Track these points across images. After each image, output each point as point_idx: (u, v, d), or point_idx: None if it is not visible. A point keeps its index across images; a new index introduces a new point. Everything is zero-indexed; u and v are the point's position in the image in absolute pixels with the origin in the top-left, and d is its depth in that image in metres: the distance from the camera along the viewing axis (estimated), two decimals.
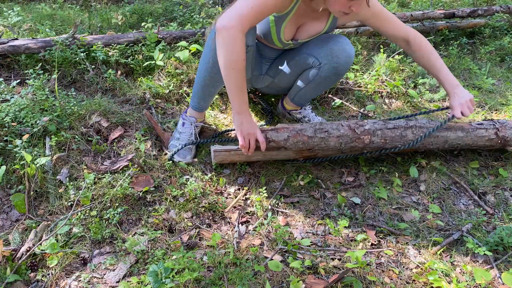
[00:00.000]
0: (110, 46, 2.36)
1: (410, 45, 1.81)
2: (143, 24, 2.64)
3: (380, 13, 1.77)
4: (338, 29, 2.86)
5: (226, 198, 1.70)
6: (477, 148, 1.90)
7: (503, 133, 1.84)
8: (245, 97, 1.56)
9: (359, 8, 1.52)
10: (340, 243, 1.52)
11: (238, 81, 1.51)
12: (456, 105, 1.73)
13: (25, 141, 1.67)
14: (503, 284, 1.34)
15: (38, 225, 1.49)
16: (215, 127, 2.09)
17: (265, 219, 1.61)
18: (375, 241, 1.52)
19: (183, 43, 2.40)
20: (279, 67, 1.95)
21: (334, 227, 1.57)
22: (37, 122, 1.77)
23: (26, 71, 2.16)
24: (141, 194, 1.64)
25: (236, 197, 1.71)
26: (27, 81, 2.02)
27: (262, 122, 2.18)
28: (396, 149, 1.75)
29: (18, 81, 2.10)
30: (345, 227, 1.58)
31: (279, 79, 1.99)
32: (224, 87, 2.21)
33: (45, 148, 1.74)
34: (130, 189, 1.62)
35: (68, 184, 1.62)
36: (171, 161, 1.80)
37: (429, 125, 1.77)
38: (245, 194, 1.72)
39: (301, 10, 1.66)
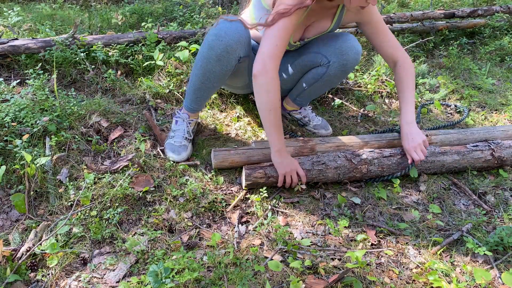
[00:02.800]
0: (110, 46, 2.36)
1: (396, 67, 1.85)
2: (143, 24, 2.65)
3: (380, 23, 1.80)
4: (338, 29, 2.86)
5: (225, 195, 1.70)
6: (477, 170, 1.93)
7: (499, 153, 1.87)
8: (283, 136, 1.67)
9: (376, 1, 1.53)
10: (340, 243, 1.52)
11: (276, 121, 1.61)
12: (409, 148, 1.77)
13: (25, 141, 1.67)
14: (503, 284, 1.34)
15: (38, 225, 1.49)
16: (214, 127, 2.09)
17: (265, 219, 1.61)
18: (375, 241, 1.52)
19: (183, 43, 2.40)
20: (282, 68, 1.94)
21: (334, 227, 1.57)
22: (37, 122, 1.77)
23: (26, 71, 2.16)
24: (141, 194, 1.64)
25: (236, 197, 1.71)
26: (27, 81, 2.02)
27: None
28: (391, 177, 1.80)
29: (18, 81, 2.10)
30: (345, 227, 1.58)
31: (282, 80, 1.98)
32: (223, 88, 2.23)
33: (45, 148, 1.74)
34: (130, 189, 1.62)
35: (68, 184, 1.62)
36: (172, 162, 1.80)
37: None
38: (245, 194, 1.72)
39: (312, 11, 1.66)
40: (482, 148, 1.87)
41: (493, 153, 1.86)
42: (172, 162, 1.80)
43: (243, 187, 1.73)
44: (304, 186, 1.71)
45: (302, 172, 1.68)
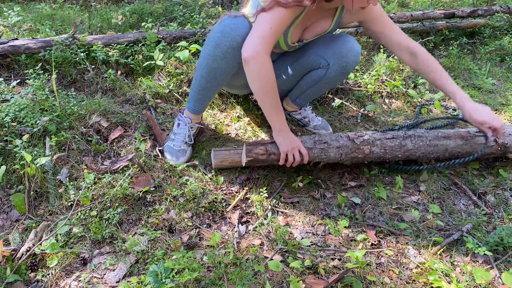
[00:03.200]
0: (110, 46, 2.36)
1: (416, 56, 1.76)
2: (143, 24, 2.65)
3: (383, 17, 1.78)
4: (338, 29, 2.86)
5: (225, 195, 1.70)
6: (479, 157, 1.90)
7: (503, 139, 1.84)
8: (283, 115, 1.64)
9: (377, 1, 1.52)
10: (340, 243, 1.52)
11: (274, 103, 1.59)
12: (486, 119, 1.68)
13: (25, 141, 1.67)
14: (503, 284, 1.34)
15: (38, 225, 1.49)
16: (214, 127, 2.09)
17: (265, 219, 1.61)
18: (375, 241, 1.52)
19: (183, 43, 2.40)
20: (281, 69, 1.93)
21: (334, 227, 1.57)
22: (37, 122, 1.77)
23: (26, 71, 2.16)
24: (141, 194, 1.64)
25: (236, 196, 1.71)
26: (27, 81, 2.02)
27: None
28: (468, 159, 1.78)
29: (18, 81, 2.10)
30: (345, 227, 1.58)
31: (281, 82, 1.97)
32: (224, 91, 2.23)
33: (45, 148, 1.74)
34: (130, 189, 1.62)
35: (68, 184, 1.62)
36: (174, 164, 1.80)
37: (427, 134, 1.79)
38: (245, 194, 1.72)
39: (310, 12, 1.64)
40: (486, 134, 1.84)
41: (497, 139, 1.83)
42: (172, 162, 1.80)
43: (243, 164, 1.72)
44: (301, 184, 1.70)
45: (304, 151, 1.65)
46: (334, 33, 1.87)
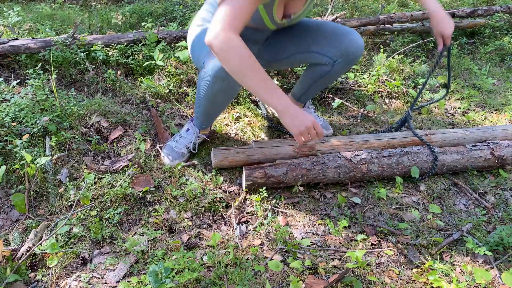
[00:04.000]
0: (110, 46, 2.36)
1: None
2: (143, 24, 2.65)
3: None
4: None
5: (225, 195, 1.70)
6: (478, 170, 1.93)
7: (499, 152, 1.87)
8: (280, 92, 1.35)
9: None
10: (340, 243, 1.52)
11: (263, 80, 1.33)
12: (440, 31, 1.69)
13: (25, 141, 1.67)
14: (503, 284, 1.34)
15: (38, 225, 1.49)
16: (213, 128, 2.09)
17: (265, 219, 1.61)
18: (375, 241, 1.52)
19: (183, 43, 2.40)
20: (279, 54, 1.87)
21: (334, 227, 1.57)
22: (37, 122, 1.77)
23: (26, 71, 2.16)
24: (141, 194, 1.64)
25: (237, 197, 1.71)
26: (27, 81, 2.02)
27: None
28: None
29: (18, 81, 2.10)
30: (345, 227, 1.58)
31: (279, 64, 1.93)
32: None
33: (45, 148, 1.74)
34: (130, 189, 1.62)
35: (68, 184, 1.62)
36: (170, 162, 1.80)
37: (423, 150, 1.83)
38: (245, 195, 1.72)
39: None
40: (482, 148, 1.88)
41: (493, 152, 1.86)
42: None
43: (244, 188, 1.72)
44: (301, 188, 1.71)
45: (320, 130, 1.42)
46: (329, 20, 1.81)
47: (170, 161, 1.80)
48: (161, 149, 1.86)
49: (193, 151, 1.88)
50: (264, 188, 1.69)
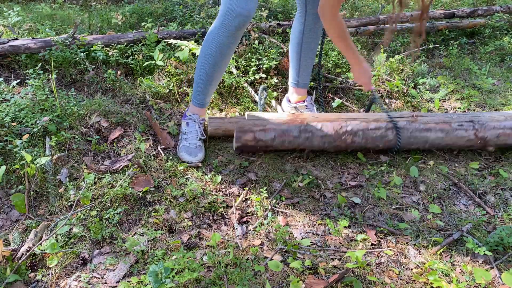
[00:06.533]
0: (110, 46, 2.36)
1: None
2: (143, 24, 2.65)
3: None
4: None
5: (225, 195, 1.70)
6: (458, 148, 1.99)
7: (483, 133, 1.90)
8: (354, 52, 1.81)
9: None
10: (340, 243, 1.52)
11: (348, 45, 1.77)
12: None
13: (25, 141, 1.67)
14: (503, 284, 1.34)
15: (38, 225, 1.49)
16: None
17: (265, 219, 1.61)
18: (375, 241, 1.52)
19: (181, 42, 2.40)
20: None
21: (334, 227, 1.57)
22: (37, 122, 1.77)
23: (26, 71, 2.16)
24: (141, 194, 1.64)
25: (237, 198, 1.71)
26: (27, 81, 2.02)
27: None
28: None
29: (18, 81, 2.10)
30: (345, 227, 1.58)
31: None
32: (223, 91, 2.23)
33: (45, 148, 1.74)
34: (130, 189, 1.62)
35: (68, 184, 1.62)
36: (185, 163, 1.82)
37: (408, 126, 1.88)
38: (246, 195, 1.72)
39: None
40: (467, 127, 1.91)
41: (477, 133, 1.89)
42: (173, 163, 1.80)
43: (234, 149, 1.85)
44: (301, 184, 1.76)
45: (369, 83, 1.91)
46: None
47: (194, 158, 1.82)
48: (163, 150, 1.85)
49: (204, 137, 1.91)
50: (265, 188, 1.69)
